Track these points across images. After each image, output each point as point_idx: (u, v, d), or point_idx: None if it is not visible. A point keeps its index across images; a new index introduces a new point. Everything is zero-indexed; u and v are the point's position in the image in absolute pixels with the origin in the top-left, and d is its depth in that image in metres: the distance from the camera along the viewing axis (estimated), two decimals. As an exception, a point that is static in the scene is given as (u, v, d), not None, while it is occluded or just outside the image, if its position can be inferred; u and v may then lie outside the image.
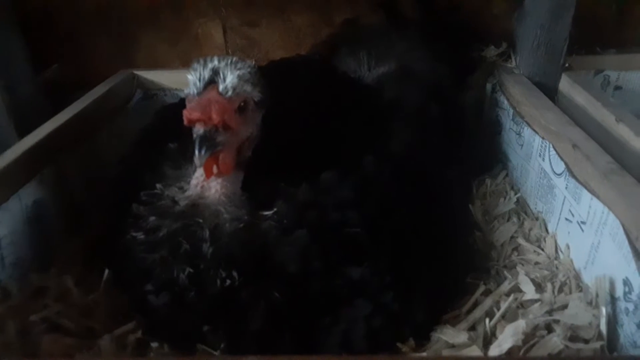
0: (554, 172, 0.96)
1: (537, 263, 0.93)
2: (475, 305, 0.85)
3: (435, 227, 0.86)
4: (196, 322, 0.74)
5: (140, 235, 0.77)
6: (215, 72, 0.73)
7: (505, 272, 0.92)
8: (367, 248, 0.76)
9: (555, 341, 0.73)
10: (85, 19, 1.46)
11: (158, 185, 0.79)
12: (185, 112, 0.70)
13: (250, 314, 0.72)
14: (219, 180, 0.77)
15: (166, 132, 0.90)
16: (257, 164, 0.81)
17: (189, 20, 1.48)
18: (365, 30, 1.38)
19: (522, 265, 0.93)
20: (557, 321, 0.78)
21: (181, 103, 0.74)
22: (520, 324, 0.74)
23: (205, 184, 0.77)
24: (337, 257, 0.75)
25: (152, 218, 0.77)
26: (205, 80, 0.73)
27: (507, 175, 1.23)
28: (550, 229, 0.99)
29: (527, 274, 0.89)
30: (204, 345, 0.74)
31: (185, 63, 0.68)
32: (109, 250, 0.84)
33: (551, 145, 0.97)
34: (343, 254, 0.75)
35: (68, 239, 0.99)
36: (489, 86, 1.36)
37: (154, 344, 0.77)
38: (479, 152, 1.30)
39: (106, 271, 0.85)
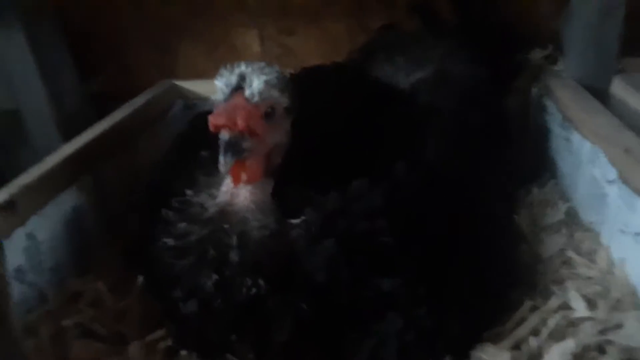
0: (606, 179, 0.89)
1: (588, 278, 0.86)
2: (521, 322, 0.79)
3: (474, 237, 0.81)
4: (223, 331, 0.73)
5: (170, 242, 0.76)
6: (242, 78, 0.72)
7: (553, 287, 0.85)
8: (398, 258, 0.73)
9: (609, 364, 0.67)
10: (128, 31, 1.50)
11: (188, 192, 0.79)
12: (210, 118, 0.69)
13: (276, 324, 0.70)
14: (248, 187, 0.76)
15: (199, 139, 0.90)
16: (288, 172, 0.79)
17: (226, 30, 1.49)
18: (402, 36, 1.35)
19: (572, 280, 0.86)
20: (610, 342, 0.72)
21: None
22: (569, 344, 0.69)
23: (235, 191, 0.76)
24: (367, 267, 0.72)
25: (182, 224, 0.77)
26: (232, 86, 0.72)
27: (556, 183, 1.16)
28: (603, 241, 0.92)
29: (577, 290, 0.82)
30: (233, 356, 0.73)
31: (224, 73, 0.73)
32: (142, 256, 0.85)
33: (602, 151, 0.90)
34: (373, 264, 0.72)
35: (106, 245, 1.00)
36: (535, 91, 1.30)
37: (183, 352, 0.76)
38: (525, 159, 1.23)
39: (139, 277, 0.86)
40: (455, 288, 0.75)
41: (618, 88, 1.16)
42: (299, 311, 0.70)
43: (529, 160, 1.23)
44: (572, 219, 1.03)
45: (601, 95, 1.17)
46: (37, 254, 0.83)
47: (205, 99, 1.44)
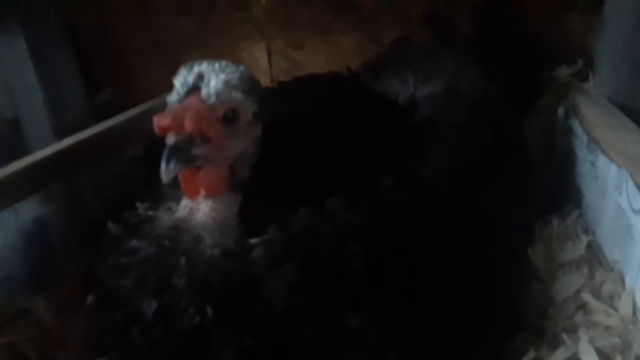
0: (632, 208, 0.75)
1: (607, 327, 0.72)
2: (519, 375, 0.67)
3: (467, 271, 0.69)
4: (165, 363, 0.64)
5: (115, 259, 0.69)
6: (199, 77, 0.65)
7: (564, 335, 0.73)
8: (369, 289, 0.62)
9: None
10: (134, 44, 1.48)
11: (140, 205, 0.71)
12: (155, 119, 0.62)
13: (220, 360, 0.60)
14: (209, 202, 0.67)
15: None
16: (259, 186, 0.70)
17: (233, 43, 1.45)
18: (413, 50, 1.25)
19: (587, 328, 0.73)
20: (626, 410, 0.57)
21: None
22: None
23: (195, 205, 0.68)
24: (332, 298, 0.62)
25: (133, 241, 0.69)
26: (189, 85, 0.64)
27: (580, 214, 1.01)
28: (628, 283, 0.77)
29: (591, 341, 0.69)
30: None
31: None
32: (93, 274, 0.77)
33: (628, 175, 0.76)
34: (339, 294, 0.62)
35: (74, 260, 0.93)
36: (561, 110, 1.17)
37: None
38: (547, 187, 1.10)
39: (89, 297, 0.78)
40: (435, 329, 0.63)
41: (656, 107, 1.01)
42: (246, 347, 0.60)
43: (550, 188, 1.09)
44: (594, 256, 0.89)
45: (637, 114, 1.03)
46: (-15, 265, 0.77)
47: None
